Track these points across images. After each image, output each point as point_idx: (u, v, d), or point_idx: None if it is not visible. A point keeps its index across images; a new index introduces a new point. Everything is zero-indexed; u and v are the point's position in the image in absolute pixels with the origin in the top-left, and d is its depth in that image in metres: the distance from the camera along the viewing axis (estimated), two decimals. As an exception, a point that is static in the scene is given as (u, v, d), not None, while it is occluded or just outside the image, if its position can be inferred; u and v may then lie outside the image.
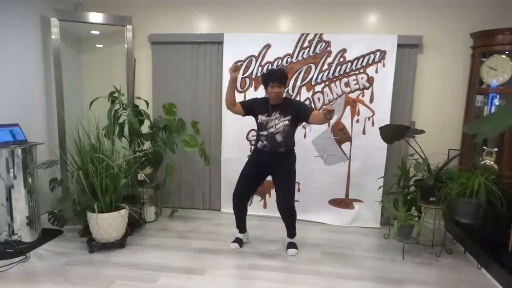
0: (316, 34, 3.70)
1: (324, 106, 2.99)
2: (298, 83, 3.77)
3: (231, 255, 3.06)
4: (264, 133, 2.94)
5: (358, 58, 3.65)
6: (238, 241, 3.23)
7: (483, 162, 3.27)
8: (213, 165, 4.08)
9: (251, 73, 3.83)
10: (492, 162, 3.24)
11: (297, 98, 3.78)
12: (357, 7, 3.75)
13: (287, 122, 2.92)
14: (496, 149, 3.26)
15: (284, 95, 3.01)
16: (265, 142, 2.95)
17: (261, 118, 2.96)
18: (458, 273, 2.86)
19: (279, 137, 2.91)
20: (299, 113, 2.94)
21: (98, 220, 2.95)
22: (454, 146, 3.68)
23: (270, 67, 3.78)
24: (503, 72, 3.23)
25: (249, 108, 3.03)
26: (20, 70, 3.36)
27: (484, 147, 3.31)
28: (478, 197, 2.76)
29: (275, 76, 2.88)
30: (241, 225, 3.27)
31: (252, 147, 3.92)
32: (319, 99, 3.76)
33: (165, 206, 4.11)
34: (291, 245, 3.15)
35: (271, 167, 3.03)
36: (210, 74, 4.00)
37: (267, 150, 2.96)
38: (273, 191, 3.95)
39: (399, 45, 3.58)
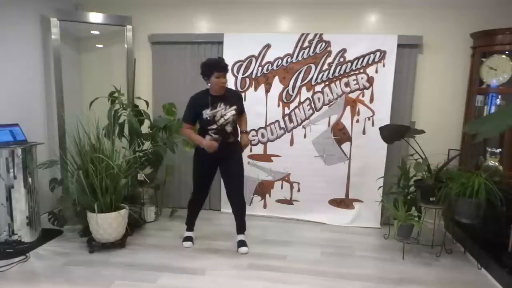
0: (316, 34, 3.70)
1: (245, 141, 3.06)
2: (298, 83, 3.77)
3: (231, 255, 3.05)
4: (213, 126, 2.87)
5: (358, 58, 3.65)
6: (191, 239, 3.25)
7: (486, 163, 3.26)
8: (213, 165, 4.07)
9: (251, 73, 3.83)
10: (496, 163, 3.23)
11: (297, 98, 3.79)
12: (357, 7, 3.75)
13: (234, 112, 2.91)
14: (500, 150, 3.25)
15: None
16: (215, 136, 2.88)
17: (207, 113, 2.86)
18: (458, 273, 2.86)
19: (228, 128, 2.91)
20: (239, 106, 2.98)
21: (98, 220, 2.95)
22: (454, 146, 3.68)
23: (270, 67, 3.78)
24: (503, 72, 3.23)
25: (195, 116, 2.94)
26: (20, 70, 3.36)
27: (488, 148, 3.30)
28: (478, 197, 2.76)
29: (222, 66, 2.81)
30: (193, 223, 3.31)
31: (252, 147, 3.93)
32: (319, 99, 3.76)
33: (165, 206, 4.11)
34: (244, 243, 3.12)
35: (222, 158, 2.98)
36: (210, 74, 3.99)
37: (218, 143, 2.90)
38: (273, 191, 3.99)
39: (399, 45, 3.58)
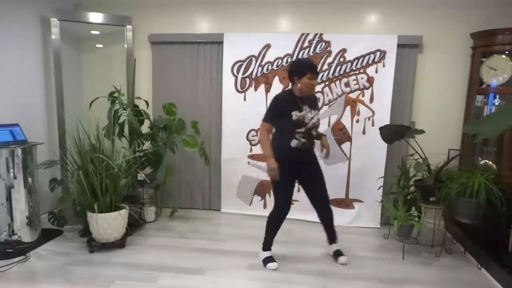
0: (316, 34, 3.70)
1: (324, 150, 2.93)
2: (298, 83, 3.77)
3: (231, 255, 3.06)
4: (302, 129, 2.70)
5: (358, 58, 3.65)
6: (274, 259, 2.91)
7: (482, 162, 3.27)
8: (213, 165, 4.08)
9: (251, 73, 3.83)
10: (491, 162, 3.24)
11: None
12: (357, 7, 3.75)
13: (319, 116, 2.83)
14: (494, 149, 3.26)
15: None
16: (303, 140, 2.71)
17: (297, 114, 2.68)
18: (458, 273, 2.86)
19: (313, 132, 2.79)
20: (319, 110, 2.92)
21: (98, 220, 2.95)
22: (454, 146, 3.68)
23: (270, 67, 3.78)
24: (503, 72, 3.24)
25: (279, 117, 2.73)
26: (20, 70, 3.36)
27: (484, 147, 3.31)
28: (478, 197, 2.76)
29: (316, 68, 2.72)
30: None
31: (252, 147, 3.93)
32: (319, 99, 3.76)
33: (165, 206, 4.11)
34: (341, 253, 2.99)
35: (305, 167, 2.81)
36: (210, 74, 3.99)
37: (305, 148, 2.75)
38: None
39: (399, 45, 3.58)
